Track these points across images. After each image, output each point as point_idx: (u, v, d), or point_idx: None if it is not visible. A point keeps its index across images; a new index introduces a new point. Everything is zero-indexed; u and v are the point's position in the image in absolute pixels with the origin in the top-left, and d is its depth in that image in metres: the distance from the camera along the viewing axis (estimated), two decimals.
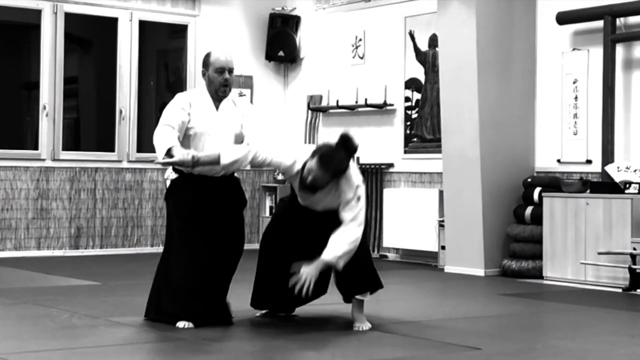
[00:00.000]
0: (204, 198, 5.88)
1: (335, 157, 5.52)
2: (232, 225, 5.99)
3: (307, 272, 5.39)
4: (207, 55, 6.07)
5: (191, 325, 5.77)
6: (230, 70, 6.00)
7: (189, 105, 5.95)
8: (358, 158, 11.02)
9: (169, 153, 5.69)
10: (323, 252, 5.46)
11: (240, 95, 11.62)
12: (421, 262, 10.20)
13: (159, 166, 5.95)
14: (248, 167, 5.91)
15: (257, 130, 5.98)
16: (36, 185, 10.46)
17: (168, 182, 6.08)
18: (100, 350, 5.20)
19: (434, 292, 8.23)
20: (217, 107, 6.00)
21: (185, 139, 5.93)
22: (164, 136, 5.77)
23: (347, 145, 5.56)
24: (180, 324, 5.78)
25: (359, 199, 5.55)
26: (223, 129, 5.96)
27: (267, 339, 5.57)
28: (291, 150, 5.74)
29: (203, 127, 5.93)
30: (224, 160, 5.63)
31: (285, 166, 5.67)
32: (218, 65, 5.96)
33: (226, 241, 5.96)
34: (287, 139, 11.84)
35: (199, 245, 5.85)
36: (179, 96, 6.05)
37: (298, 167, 5.63)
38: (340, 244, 5.48)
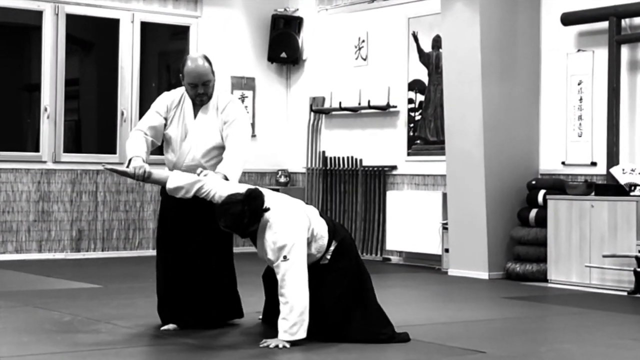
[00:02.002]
0: (186, 204, 5.77)
1: (230, 211, 5.34)
2: (214, 232, 5.78)
3: (279, 341, 5.31)
4: (183, 63, 5.91)
5: (174, 326, 5.85)
6: (205, 83, 5.84)
7: (166, 109, 5.94)
8: (361, 161, 10.99)
9: (129, 163, 5.72)
10: (279, 332, 5.33)
11: (242, 97, 11.59)
12: (425, 265, 10.16)
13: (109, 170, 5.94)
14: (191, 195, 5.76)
15: (235, 144, 5.77)
16: (37, 187, 10.42)
17: None
18: (101, 353, 5.18)
19: (438, 295, 8.19)
20: (195, 114, 5.90)
21: (164, 141, 5.97)
22: (131, 145, 5.81)
23: (249, 202, 5.37)
24: (163, 327, 5.88)
25: (285, 257, 5.34)
26: (197, 137, 5.86)
27: None
28: (240, 189, 5.56)
29: (177, 133, 5.90)
30: (169, 185, 5.64)
31: None
32: (190, 80, 5.85)
33: (207, 249, 5.90)
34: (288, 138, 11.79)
35: (169, 256, 5.91)
36: (161, 97, 6.04)
37: None
38: (289, 320, 5.31)
